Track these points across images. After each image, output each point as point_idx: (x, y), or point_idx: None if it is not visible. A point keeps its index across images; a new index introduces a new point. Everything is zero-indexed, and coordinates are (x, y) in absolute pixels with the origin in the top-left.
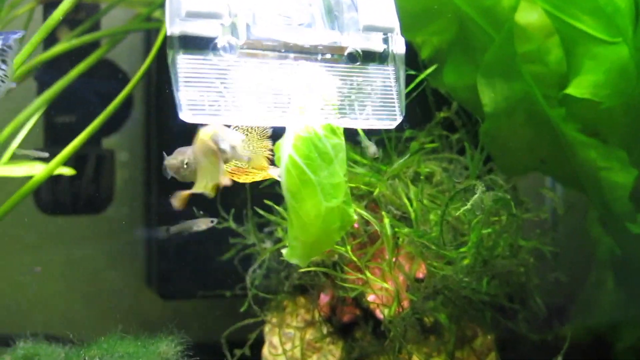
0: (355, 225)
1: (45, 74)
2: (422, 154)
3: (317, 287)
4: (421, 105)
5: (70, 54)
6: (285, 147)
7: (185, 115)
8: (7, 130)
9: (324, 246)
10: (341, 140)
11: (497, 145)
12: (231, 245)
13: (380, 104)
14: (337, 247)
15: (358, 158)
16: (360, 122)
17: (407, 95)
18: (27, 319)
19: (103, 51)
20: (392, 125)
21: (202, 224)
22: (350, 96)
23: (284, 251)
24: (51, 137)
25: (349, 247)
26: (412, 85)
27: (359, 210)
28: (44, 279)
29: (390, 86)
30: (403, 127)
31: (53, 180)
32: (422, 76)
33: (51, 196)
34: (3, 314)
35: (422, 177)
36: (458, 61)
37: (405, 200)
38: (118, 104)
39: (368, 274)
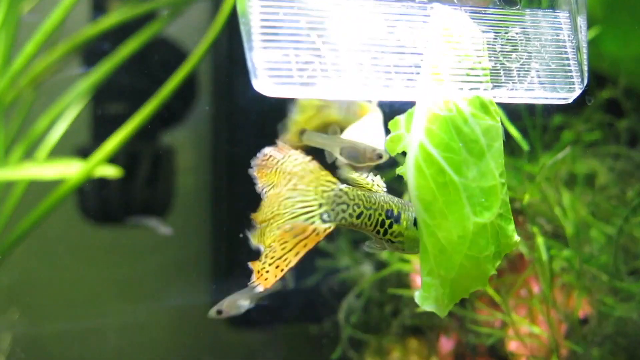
0: None
1: (92, 53)
2: (578, 148)
3: (436, 329)
4: None
5: (121, 29)
6: (414, 132)
7: (262, 83)
8: (44, 121)
9: (473, 283)
10: (496, 122)
11: None
12: (318, 267)
13: (551, 68)
14: None
15: None
16: (522, 94)
17: None
18: (75, 344)
19: (160, 26)
20: (568, 98)
21: None
22: (507, 56)
23: (416, 294)
24: (101, 132)
25: None
26: None
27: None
28: (90, 300)
29: (564, 41)
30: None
31: (100, 184)
32: None
33: (97, 203)
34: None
35: (579, 179)
36: (622, 25)
37: (557, 211)
38: (173, 91)
39: (511, 314)
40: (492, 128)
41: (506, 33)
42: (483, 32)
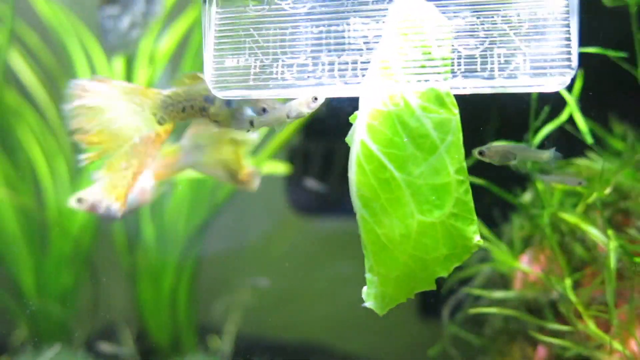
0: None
1: None
2: None
3: (523, 335)
4: None
5: None
6: (357, 129)
7: (215, 87)
8: None
9: (419, 284)
10: (452, 115)
11: None
12: None
13: (537, 52)
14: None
15: (615, 144)
16: (500, 82)
17: None
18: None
19: None
20: (560, 83)
21: None
22: (485, 37)
23: (363, 289)
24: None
25: (568, 281)
26: None
27: (587, 227)
28: (292, 286)
29: (550, 20)
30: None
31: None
32: None
33: (303, 195)
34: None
35: None
36: None
37: None
38: None
39: (592, 327)
40: (446, 121)
41: (488, 17)
42: (461, 17)
